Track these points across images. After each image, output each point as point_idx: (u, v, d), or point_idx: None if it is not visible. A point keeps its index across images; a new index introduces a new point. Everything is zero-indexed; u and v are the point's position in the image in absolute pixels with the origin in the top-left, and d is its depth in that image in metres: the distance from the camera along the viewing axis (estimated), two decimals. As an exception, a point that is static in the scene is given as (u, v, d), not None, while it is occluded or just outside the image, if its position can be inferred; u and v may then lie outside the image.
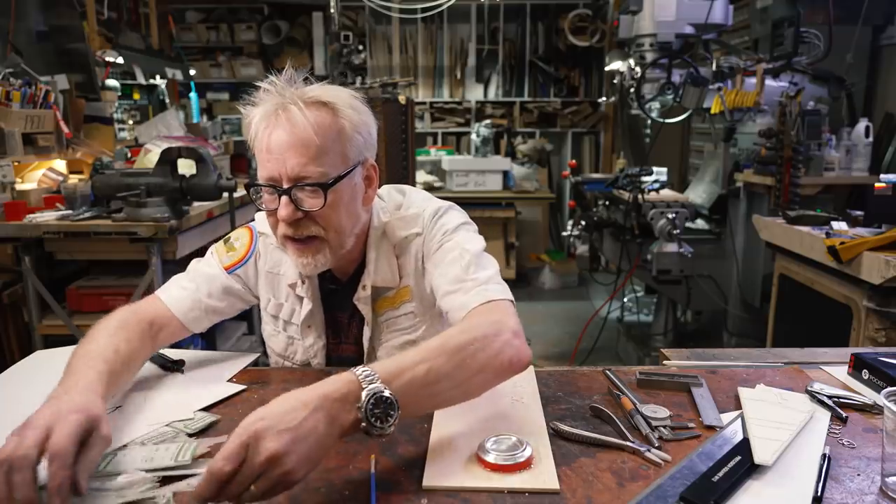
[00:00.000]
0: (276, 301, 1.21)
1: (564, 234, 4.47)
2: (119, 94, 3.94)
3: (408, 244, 1.14)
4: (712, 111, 3.14)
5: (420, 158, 5.38)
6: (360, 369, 0.78)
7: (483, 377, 0.88)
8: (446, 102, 6.14)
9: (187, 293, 1.16)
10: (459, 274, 1.04)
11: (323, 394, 0.75)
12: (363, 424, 0.75)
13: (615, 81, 3.81)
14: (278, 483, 0.70)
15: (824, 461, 0.81)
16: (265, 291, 1.21)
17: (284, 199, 0.99)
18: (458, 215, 1.16)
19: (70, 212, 2.28)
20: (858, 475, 0.80)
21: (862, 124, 2.85)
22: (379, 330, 1.18)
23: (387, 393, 0.76)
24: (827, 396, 0.99)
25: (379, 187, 1.17)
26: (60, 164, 2.80)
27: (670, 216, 3.08)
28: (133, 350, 1.01)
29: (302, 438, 0.71)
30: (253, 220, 1.25)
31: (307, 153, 0.98)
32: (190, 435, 0.90)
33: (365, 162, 1.07)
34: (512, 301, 1.03)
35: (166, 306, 1.13)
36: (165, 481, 0.79)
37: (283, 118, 0.98)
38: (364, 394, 0.75)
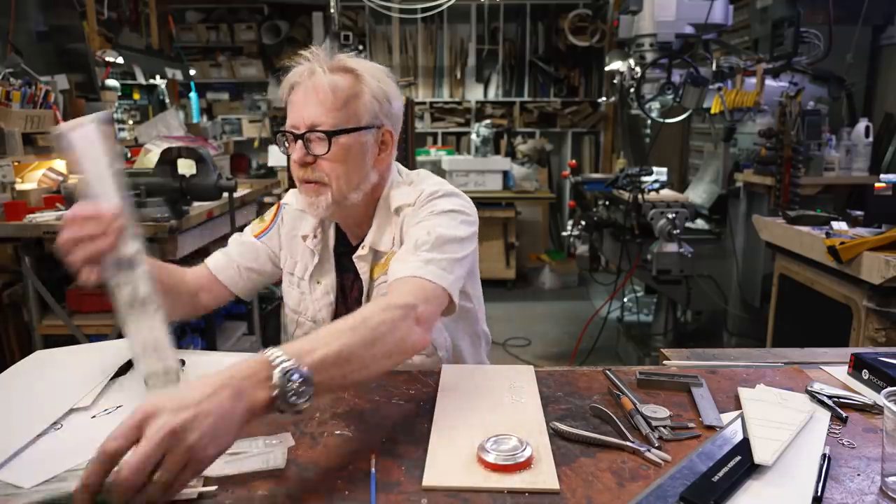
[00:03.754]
0: (293, 259, 1.33)
1: (564, 234, 4.47)
2: (119, 94, 3.94)
3: (401, 213, 1.22)
4: (712, 111, 3.14)
5: (420, 158, 5.38)
6: (268, 350, 0.76)
7: (389, 361, 0.91)
8: (446, 102, 6.14)
9: (224, 257, 1.34)
10: (410, 247, 1.11)
11: (229, 374, 0.72)
12: (277, 400, 0.73)
13: (615, 81, 3.81)
14: (184, 463, 0.64)
15: (824, 461, 0.81)
16: (287, 254, 1.34)
17: (299, 143, 1.13)
18: (454, 202, 1.20)
19: (70, 212, 2.29)
20: (858, 475, 0.80)
21: (862, 124, 2.85)
22: (373, 293, 1.25)
23: (300, 367, 0.75)
24: (827, 396, 0.99)
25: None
26: (60, 164, 2.80)
27: (670, 216, 3.08)
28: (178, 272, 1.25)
29: (204, 414, 0.66)
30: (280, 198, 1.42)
31: (321, 106, 1.11)
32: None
33: (381, 127, 1.18)
34: (445, 288, 1.05)
35: (208, 268, 1.31)
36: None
37: (308, 77, 1.13)
38: (277, 371, 0.73)
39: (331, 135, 1.12)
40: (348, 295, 1.29)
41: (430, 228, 1.12)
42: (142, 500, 0.64)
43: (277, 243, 1.35)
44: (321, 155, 1.13)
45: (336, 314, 1.28)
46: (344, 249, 1.30)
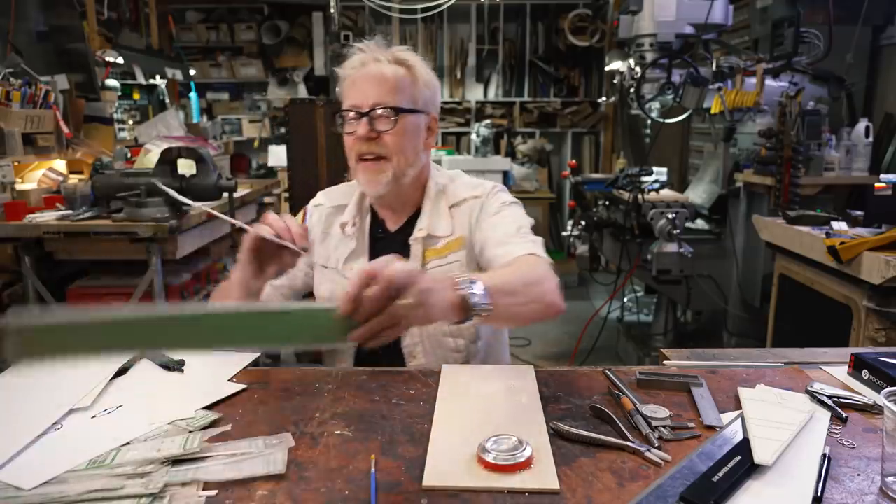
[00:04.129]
0: (327, 252, 1.39)
1: (564, 234, 4.47)
2: (119, 94, 3.94)
3: (463, 204, 1.33)
4: (712, 111, 3.14)
5: (420, 158, 5.37)
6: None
7: (533, 307, 1.06)
8: (446, 102, 6.13)
9: None
10: (511, 232, 1.25)
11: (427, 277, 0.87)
12: (466, 301, 0.89)
13: (615, 81, 3.81)
14: (417, 305, 0.80)
15: (824, 461, 0.81)
16: (319, 250, 1.40)
17: (364, 119, 1.22)
18: (511, 196, 1.37)
19: (70, 212, 2.28)
20: (858, 475, 0.80)
21: (862, 124, 2.85)
22: None
23: (478, 282, 0.91)
24: (827, 396, 0.99)
25: None
26: (60, 164, 2.80)
27: (670, 216, 3.08)
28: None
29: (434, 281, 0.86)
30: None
31: (385, 87, 1.23)
32: (192, 432, 0.90)
33: (429, 114, 1.31)
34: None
35: None
36: (175, 464, 0.81)
37: (371, 63, 1.25)
38: (462, 279, 0.91)
39: (398, 111, 1.23)
40: None
41: (517, 217, 1.28)
42: (378, 321, 0.78)
43: (310, 245, 1.41)
44: (386, 130, 1.23)
45: None
46: (381, 234, 1.37)
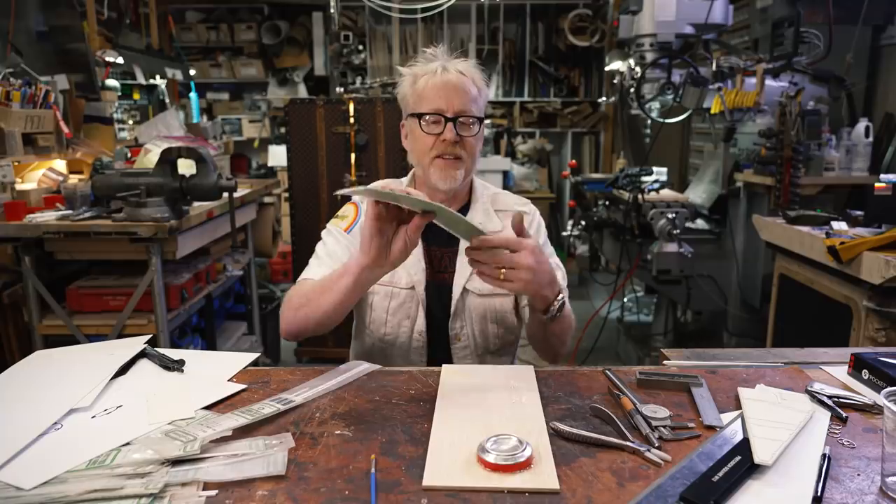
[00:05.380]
0: None
1: (564, 234, 4.47)
2: (119, 94, 3.94)
3: (510, 211, 1.44)
4: (712, 111, 3.14)
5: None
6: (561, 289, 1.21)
7: (559, 341, 1.29)
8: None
9: (327, 269, 1.34)
10: (560, 280, 1.38)
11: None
12: (555, 301, 1.17)
13: (615, 81, 3.82)
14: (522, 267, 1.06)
15: (824, 461, 0.81)
16: None
17: (450, 125, 1.32)
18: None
19: (70, 212, 2.28)
20: (858, 475, 0.80)
21: (862, 124, 2.84)
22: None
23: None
24: (827, 396, 0.99)
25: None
26: (60, 164, 2.80)
27: (670, 216, 3.07)
28: None
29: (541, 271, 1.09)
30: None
31: (468, 97, 1.34)
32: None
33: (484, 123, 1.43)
34: None
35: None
36: (175, 465, 0.81)
37: (442, 73, 1.34)
38: (564, 287, 1.23)
39: (482, 120, 1.38)
40: (436, 264, 1.43)
41: (557, 263, 1.42)
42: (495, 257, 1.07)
43: None
44: (468, 136, 1.35)
45: (428, 280, 1.41)
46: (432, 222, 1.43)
